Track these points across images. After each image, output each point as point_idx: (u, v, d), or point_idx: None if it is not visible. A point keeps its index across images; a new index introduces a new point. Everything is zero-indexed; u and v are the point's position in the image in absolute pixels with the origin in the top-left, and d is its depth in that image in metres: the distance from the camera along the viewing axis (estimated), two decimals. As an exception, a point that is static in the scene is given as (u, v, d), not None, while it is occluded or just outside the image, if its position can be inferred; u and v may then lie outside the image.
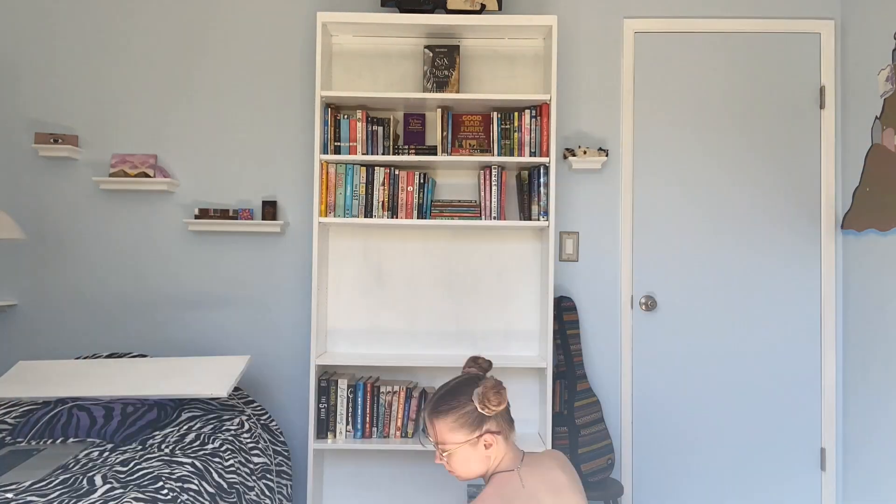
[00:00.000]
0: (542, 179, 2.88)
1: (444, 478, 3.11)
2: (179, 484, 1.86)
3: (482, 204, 2.93)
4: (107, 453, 2.09)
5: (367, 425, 2.90)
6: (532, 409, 3.10)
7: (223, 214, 3.09)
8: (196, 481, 1.91)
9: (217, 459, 2.12)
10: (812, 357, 3.11)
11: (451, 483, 3.11)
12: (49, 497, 1.69)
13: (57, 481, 1.81)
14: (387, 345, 3.12)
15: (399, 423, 2.89)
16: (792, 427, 3.11)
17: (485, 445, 1.64)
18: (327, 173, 2.91)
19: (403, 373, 3.12)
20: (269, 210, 3.12)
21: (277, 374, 3.16)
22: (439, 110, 2.93)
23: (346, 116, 2.93)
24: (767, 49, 3.15)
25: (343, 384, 2.87)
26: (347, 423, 2.88)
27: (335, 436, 2.87)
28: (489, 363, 1.80)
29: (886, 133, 2.75)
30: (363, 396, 2.88)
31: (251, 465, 2.30)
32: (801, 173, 3.13)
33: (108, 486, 1.77)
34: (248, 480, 2.21)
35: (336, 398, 2.87)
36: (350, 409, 2.88)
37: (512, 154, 2.93)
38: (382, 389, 2.89)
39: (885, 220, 2.74)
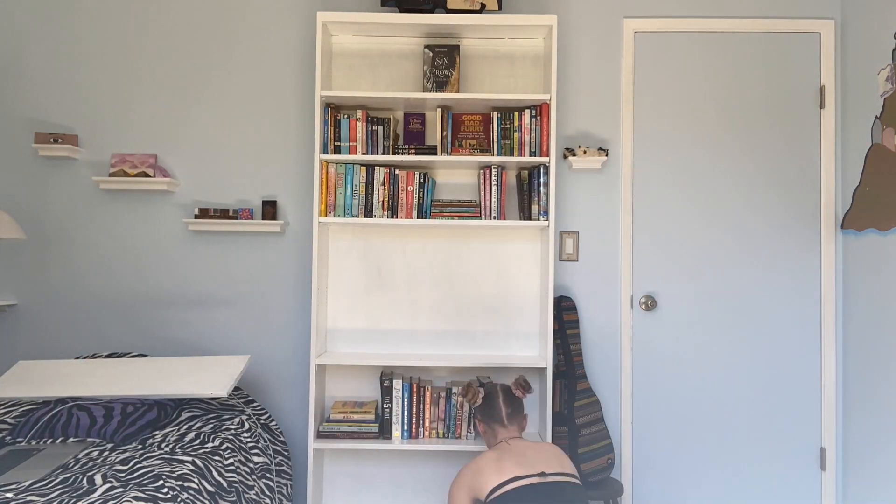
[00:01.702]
0: (542, 179, 2.88)
1: (444, 478, 3.11)
2: (179, 483, 1.86)
3: (482, 204, 2.93)
4: (107, 453, 2.09)
5: (414, 426, 2.93)
6: (532, 409, 3.10)
7: (223, 214, 3.09)
8: (196, 480, 1.91)
9: (217, 458, 2.12)
10: (812, 357, 3.11)
11: (450, 483, 3.10)
12: (49, 497, 1.69)
13: (57, 481, 1.81)
14: (387, 344, 3.12)
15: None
16: (792, 427, 3.11)
17: (481, 430, 2.52)
18: (327, 173, 2.91)
19: (403, 372, 3.12)
20: (269, 210, 3.12)
21: (277, 374, 3.16)
22: (439, 110, 2.93)
23: (346, 116, 2.93)
24: (767, 49, 3.15)
25: (398, 384, 2.90)
26: (403, 425, 2.91)
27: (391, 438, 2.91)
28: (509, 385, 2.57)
29: (886, 133, 2.75)
30: (409, 397, 2.92)
31: (251, 465, 2.30)
32: (801, 173, 3.13)
33: (108, 485, 1.77)
34: (247, 479, 2.21)
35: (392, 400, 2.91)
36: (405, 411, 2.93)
37: (512, 154, 2.93)
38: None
39: (885, 220, 2.74)
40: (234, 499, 2.04)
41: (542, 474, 2.21)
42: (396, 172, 2.93)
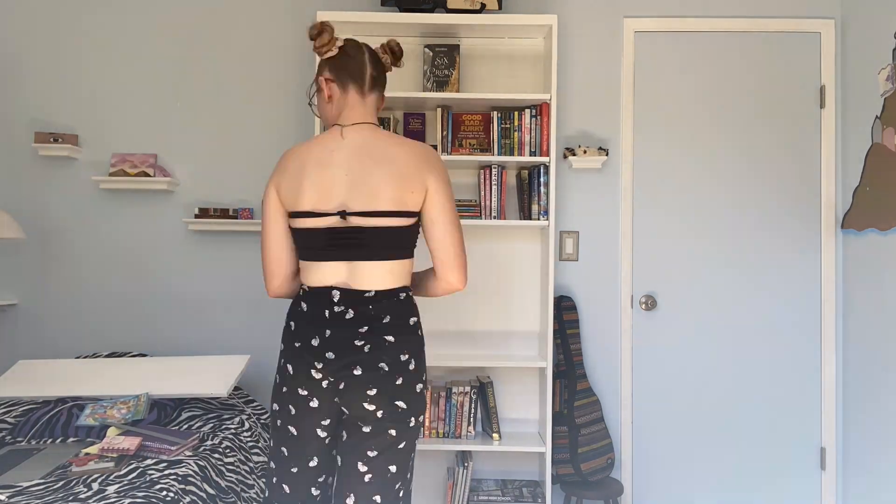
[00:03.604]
0: (542, 179, 2.88)
1: (444, 478, 3.11)
2: (182, 485, 1.86)
3: (482, 203, 2.93)
4: (107, 452, 2.08)
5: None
6: (532, 409, 3.10)
7: (223, 214, 3.08)
8: (196, 479, 1.91)
9: (217, 457, 2.12)
10: (812, 357, 3.11)
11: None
12: (46, 499, 1.69)
13: (58, 485, 1.81)
14: (387, 344, 3.11)
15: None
16: (792, 427, 3.11)
17: (326, 94, 1.71)
18: (327, 173, 2.90)
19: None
20: (269, 210, 3.12)
21: (277, 374, 3.16)
22: (439, 109, 2.93)
23: (346, 116, 2.93)
24: (767, 49, 3.15)
25: None
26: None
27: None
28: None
29: (887, 132, 2.75)
30: None
31: (251, 464, 2.30)
32: (802, 173, 3.13)
33: (107, 485, 1.77)
34: (247, 479, 2.21)
35: None
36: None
37: (512, 153, 2.93)
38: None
39: (885, 220, 2.74)
40: (232, 500, 2.04)
41: (342, 214, 1.52)
42: (396, 172, 2.92)
